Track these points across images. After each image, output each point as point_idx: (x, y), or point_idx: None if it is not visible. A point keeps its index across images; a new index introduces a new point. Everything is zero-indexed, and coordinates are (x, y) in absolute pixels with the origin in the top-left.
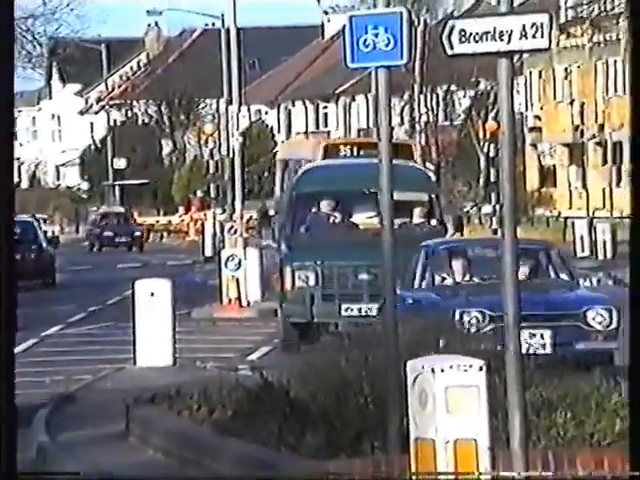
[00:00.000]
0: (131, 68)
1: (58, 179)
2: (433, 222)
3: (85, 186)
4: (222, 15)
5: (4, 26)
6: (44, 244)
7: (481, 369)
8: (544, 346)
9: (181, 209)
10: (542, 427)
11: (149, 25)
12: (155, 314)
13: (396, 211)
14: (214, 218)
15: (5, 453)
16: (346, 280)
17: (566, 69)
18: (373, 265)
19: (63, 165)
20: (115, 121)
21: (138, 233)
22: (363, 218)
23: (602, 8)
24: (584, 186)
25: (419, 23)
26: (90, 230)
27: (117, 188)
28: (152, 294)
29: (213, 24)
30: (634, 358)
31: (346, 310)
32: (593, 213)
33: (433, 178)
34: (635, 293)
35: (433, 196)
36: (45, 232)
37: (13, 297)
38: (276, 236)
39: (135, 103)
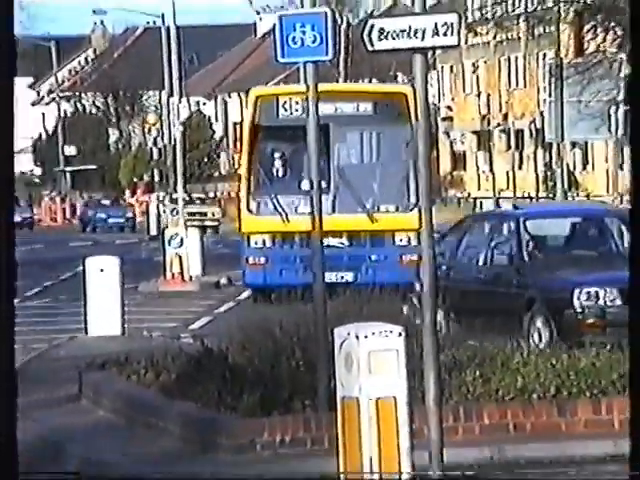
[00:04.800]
0: (79, 63)
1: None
2: None
3: (38, 172)
4: (162, 15)
5: (4, 22)
6: None
7: (400, 335)
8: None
9: (127, 192)
10: (454, 385)
11: (95, 23)
12: (104, 288)
13: None
14: (158, 200)
15: (5, 452)
16: None
17: (474, 64)
18: None
19: (17, 152)
20: (65, 112)
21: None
22: None
23: (504, 10)
24: (490, 169)
25: (342, 22)
26: None
27: (68, 173)
28: (102, 270)
29: (154, 22)
30: (634, 357)
31: None
32: (499, 193)
33: None
34: (635, 290)
35: None
36: None
37: (11, 306)
38: None
39: (83, 95)
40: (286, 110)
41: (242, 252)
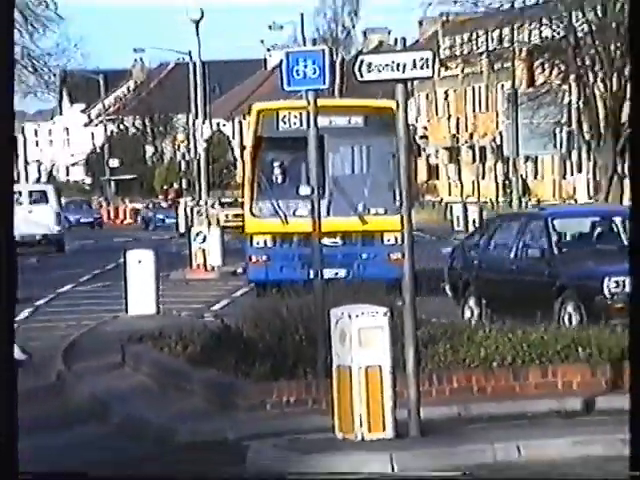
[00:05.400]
0: (122, 92)
1: (67, 175)
2: None
3: (88, 180)
4: (190, 52)
5: (4, 32)
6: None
7: (385, 315)
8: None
9: (161, 197)
10: (428, 355)
11: (135, 60)
12: (142, 276)
13: None
14: (185, 204)
15: (5, 453)
16: None
17: (445, 92)
18: None
19: (72, 165)
20: (111, 132)
21: None
22: None
23: (470, 49)
24: (459, 179)
25: (337, 58)
26: None
27: (112, 182)
28: (139, 261)
29: (183, 59)
30: (635, 365)
31: None
32: (466, 199)
33: None
34: (636, 286)
35: None
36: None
37: (12, 303)
38: None
39: (125, 118)
40: (285, 123)
41: (245, 251)
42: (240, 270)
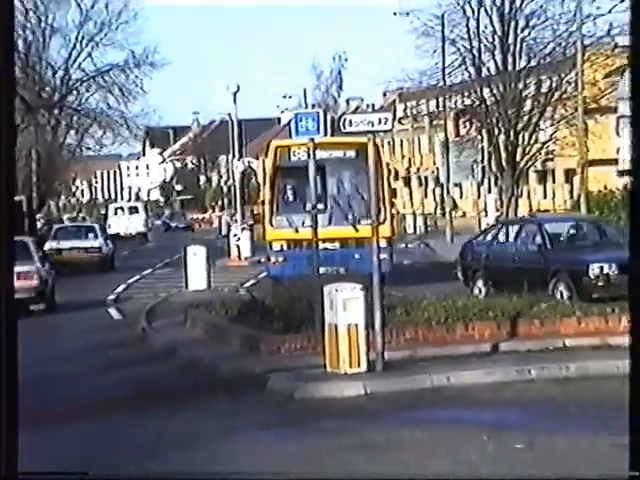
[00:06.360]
0: (185, 140)
1: (148, 196)
2: None
3: (162, 199)
4: (229, 113)
5: (5, 41)
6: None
7: (361, 289)
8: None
9: (210, 211)
10: (389, 318)
11: (193, 119)
12: (197, 263)
13: None
14: (228, 215)
15: (5, 453)
16: None
17: (401, 140)
18: None
19: (151, 189)
20: (177, 167)
21: None
22: None
23: (417, 111)
24: (410, 198)
25: (328, 117)
26: None
27: (178, 200)
28: (195, 253)
29: (224, 118)
30: (634, 366)
31: None
32: (415, 211)
33: None
34: (634, 289)
35: None
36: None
37: (13, 309)
38: None
39: (187, 158)
40: (295, 155)
41: (266, 253)
42: (264, 260)
